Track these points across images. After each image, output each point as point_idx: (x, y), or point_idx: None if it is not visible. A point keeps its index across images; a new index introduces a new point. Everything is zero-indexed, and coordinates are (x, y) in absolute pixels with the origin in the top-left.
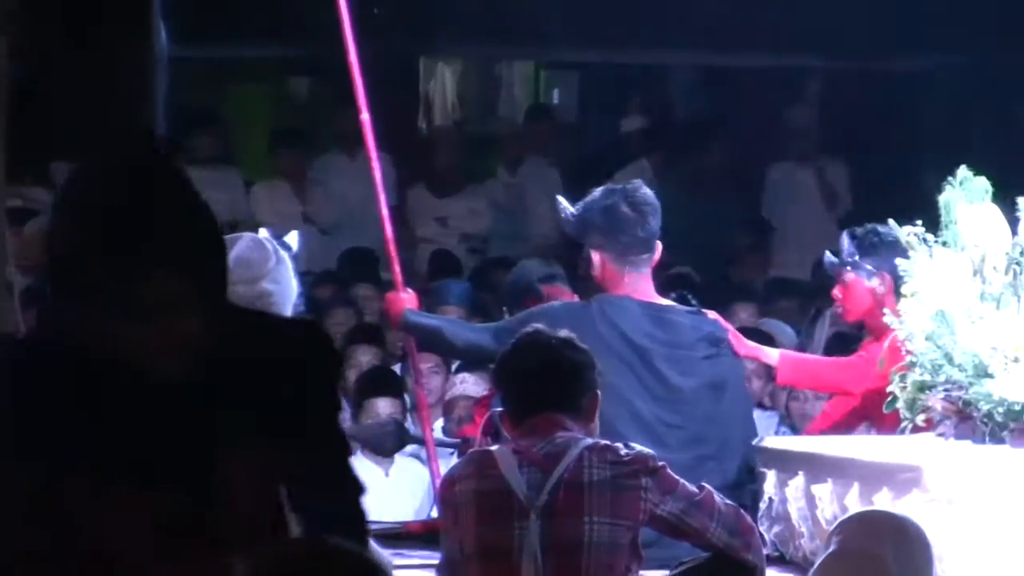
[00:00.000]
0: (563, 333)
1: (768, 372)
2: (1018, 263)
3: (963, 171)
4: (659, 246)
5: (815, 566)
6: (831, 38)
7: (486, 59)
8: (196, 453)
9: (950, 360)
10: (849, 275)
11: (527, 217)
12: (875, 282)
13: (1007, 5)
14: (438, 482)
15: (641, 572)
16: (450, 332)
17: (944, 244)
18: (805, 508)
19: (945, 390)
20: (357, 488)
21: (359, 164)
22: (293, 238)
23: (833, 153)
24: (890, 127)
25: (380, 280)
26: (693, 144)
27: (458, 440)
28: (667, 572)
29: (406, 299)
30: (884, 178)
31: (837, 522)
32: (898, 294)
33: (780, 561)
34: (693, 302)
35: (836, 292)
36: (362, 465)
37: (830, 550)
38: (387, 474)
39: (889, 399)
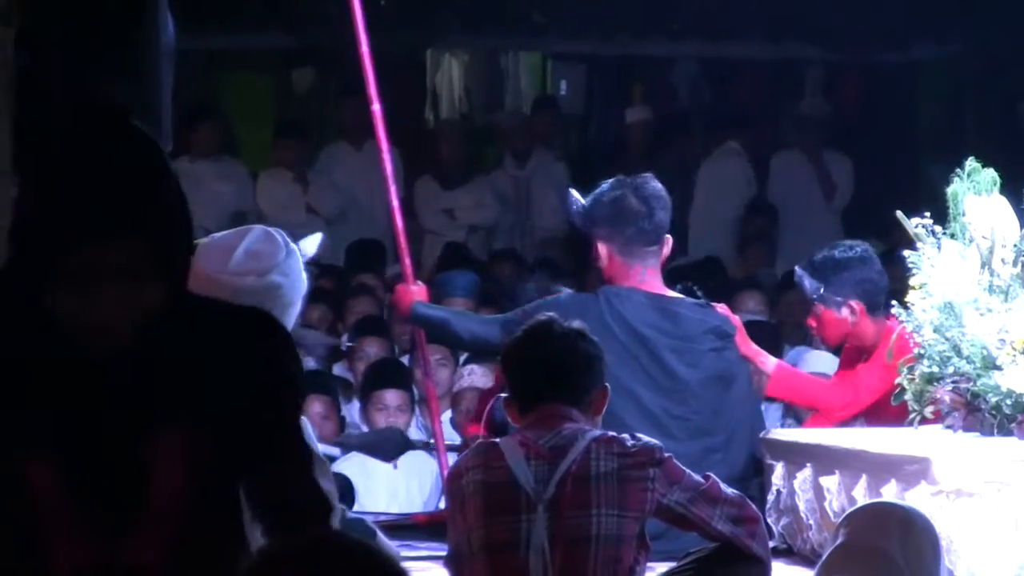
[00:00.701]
0: (576, 324)
1: None
2: None
3: (971, 162)
4: (669, 239)
5: (822, 559)
6: (830, 29)
7: (492, 51)
8: (127, 431)
9: (958, 352)
10: (819, 308)
11: (533, 210)
12: (845, 312)
13: None
14: (446, 474)
15: (649, 564)
16: (458, 324)
17: (952, 236)
18: (813, 500)
19: (953, 382)
20: (317, 491)
21: (364, 155)
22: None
23: (833, 144)
24: (888, 118)
25: (386, 272)
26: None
27: (463, 440)
28: (674, 564)
29: (415, 291)
30: (884, 169)
31: (844, 514)
32: (874, 310)
33: (788, 553)
34: (699, 294)
35: (810, 322)
36: (371, 458)
37: (837, 542)
38: (395, 466)
39: (897, 391)
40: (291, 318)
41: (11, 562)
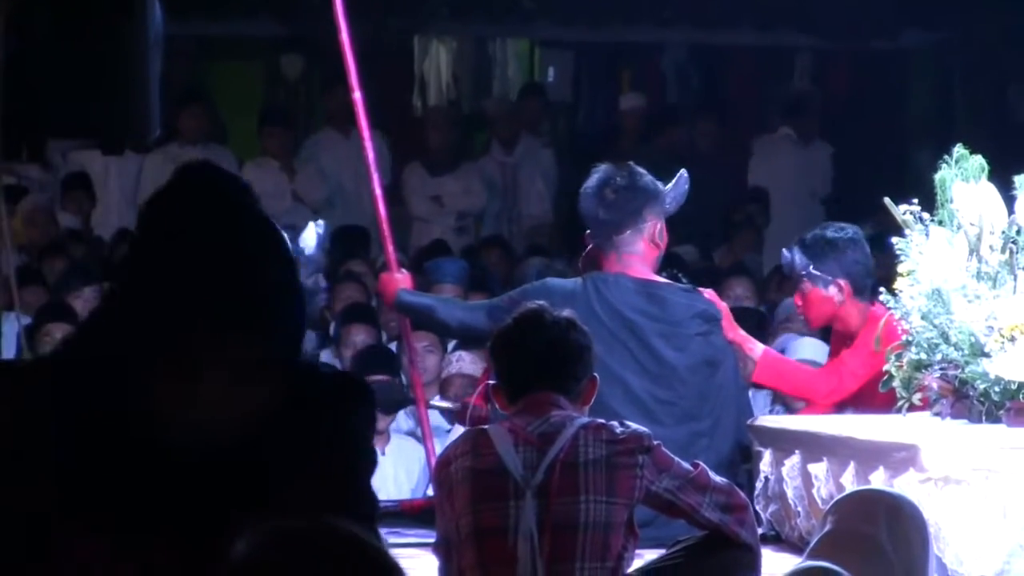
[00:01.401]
0: (567, 313)
1: None
2: (1014, 242)
3: (959, 149)
4: (654, 227)
5: (810, 545)
6: (819, 17)
7: (480, 38)
8: (200, 524)
9: (946, 339)
10: (806, 285)
11: (520, 197)
12: (832, 291)
13: None
14: (434, 461)
15: (637, 551)
16: (443, 312)
17: (940, 223)
18: (801, 487)
19: (941, 369)
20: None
21: (352, 142)
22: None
23: (820, 131)
24: (876, 105)
25: (373, 259)
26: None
27: (458, 404)
28: (663, 551)
29: (400, 279)
30: (872, 156)
31: (832, 502)
32: (861, 293)
33: (776, 540)
34: (684, 281)
35: (796, 301)
36: None
37: (825, 530)
38: (383, 452)
39: (885, 378)
40: None
41: None
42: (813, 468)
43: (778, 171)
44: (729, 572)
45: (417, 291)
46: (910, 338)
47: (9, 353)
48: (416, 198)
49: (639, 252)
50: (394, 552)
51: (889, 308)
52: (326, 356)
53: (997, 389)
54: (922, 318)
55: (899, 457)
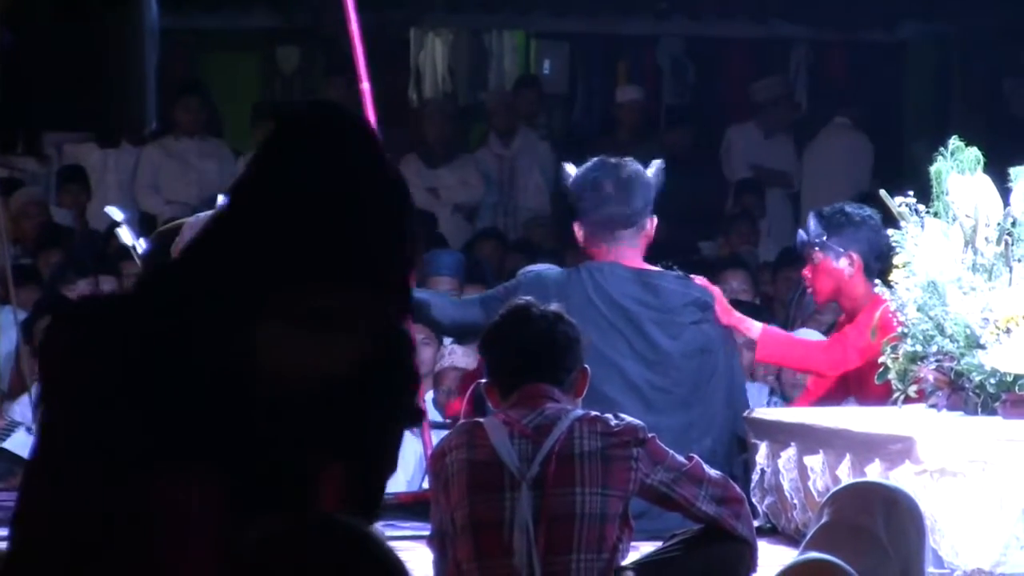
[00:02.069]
0: (554, 306)
1: None
2: (1010, 234)
3: (955, 141)
4: (650, 221)
5: (806, 537)
6: (815, 8)
7: (476, 30)
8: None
9: (942, 331)
10: (817, 255)
11: (517, 189)
12: (843, 263)
13: None
14: (429, 453)
15: (632, 543)
16: (437, 309)
17: (935, 215)
18: (797, 479)
19: (937, 361)
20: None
21: None
22: None
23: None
24: (873, 96)
25: None
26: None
27: (447, 420)
28: (659, 544)
29: None
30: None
31: (828, 494)
32: (869, 273)
33: (772, 533)
34: (676, 269)
35: (805, 272)
36: None
37: (821, 522)
38: None
39: (881, 370)
40: None
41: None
42: (809, 460)
43: (832, 161)
44: (725, 565)
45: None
46: (906, 330)
47: (7, 347)
48: (412, 190)
49: (636, 246)
50: (390, 544)
51: (885, 299)
52: None
53: (993, 381)
54: (918, 310)
55: (895, 449)
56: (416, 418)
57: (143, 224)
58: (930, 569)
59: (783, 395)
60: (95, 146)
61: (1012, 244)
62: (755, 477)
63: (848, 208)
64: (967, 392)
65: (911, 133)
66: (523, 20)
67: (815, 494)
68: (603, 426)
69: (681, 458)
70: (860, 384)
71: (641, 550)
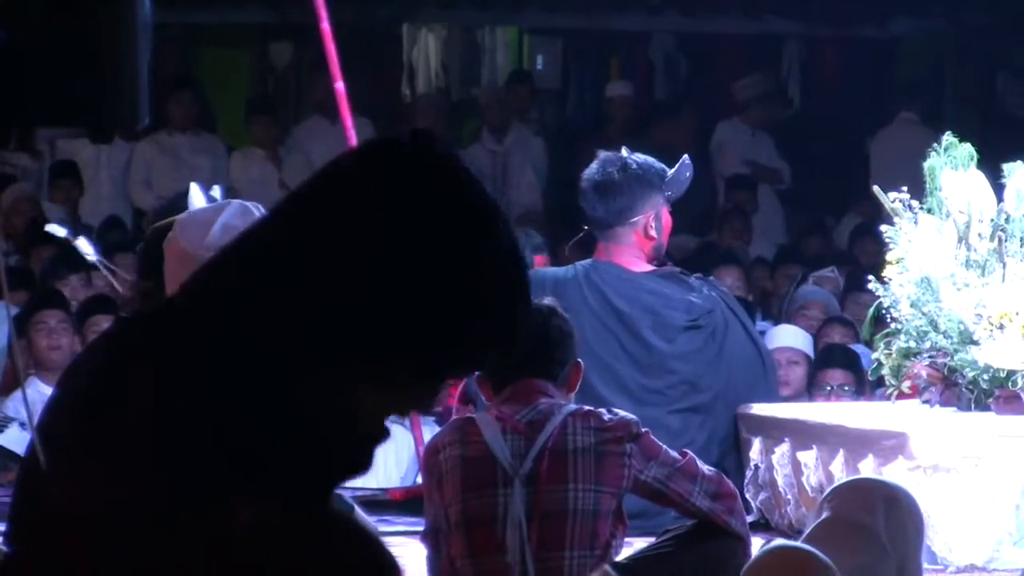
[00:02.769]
0: (548, 301)
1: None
2: (1003, 230)
3: (948, 137)
4: (647, 219)
5: (805, 533)
6: (808, 4)
7: (469, 26)
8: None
9: (935, 327)
10: None
11: (510, 185)
12: None
13: None
14: (422, 449)
15: (627, 540)
16: None
17: (929, 211)
18: (791, 475)
19: (930, 357)
20: None
21: (340, 129)
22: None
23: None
24: (866, 91)
25: None
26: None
27: (438, 410)
28: (653, 539)
29: None
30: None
31: (829, 489)
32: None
33: (766, 528)
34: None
35: None
36: None
37: (822, 517)
38: None
39: (875, 366)
40: None
41: None
42: (802, 456)
43: (897, 157)
44: (718, 561)
45: None
46: (899, 326)
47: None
48: None
49: (630, 244)
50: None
51: (879, 295)
52: None
53: (986, 377)
54: (911, 306)
55: (888, 445)
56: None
57: (135, 220)
58: (924, 565)
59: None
60: (88, 142)
61: (1005, 240)
62: (748, 473)
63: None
64: (960, 388)
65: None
66: (516, 16)
67: (809, 490)
68: (596, 421)
69: (675, 454)
70: None
71: (635, 546)
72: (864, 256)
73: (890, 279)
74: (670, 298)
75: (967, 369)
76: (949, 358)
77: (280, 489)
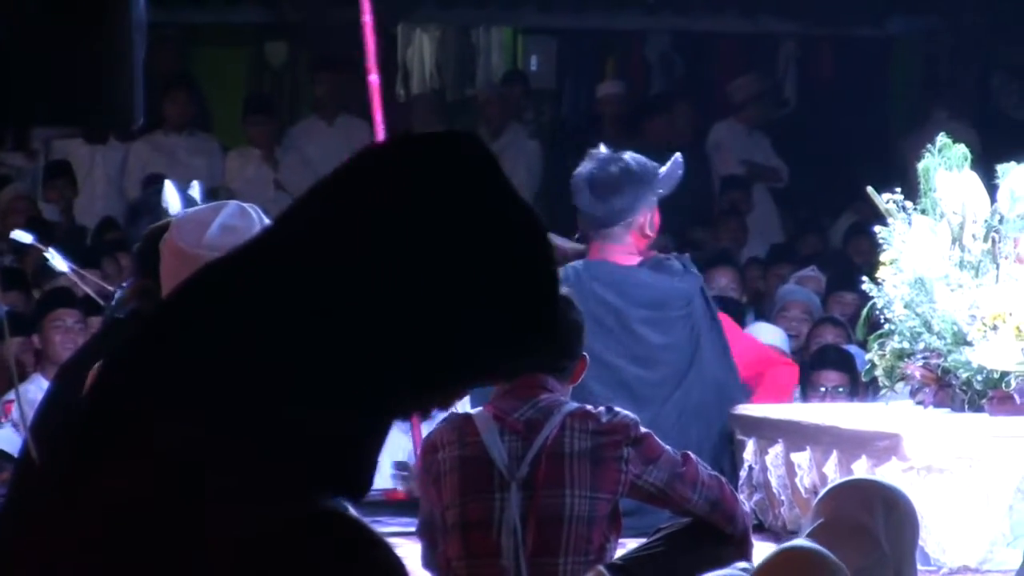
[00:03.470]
0: (564, 290)
1: None
2: (997, 231)
3: (942, 137)
4: (643, 217)
5: (803, 534)
6: (803, 3)
7: (464, 26)
8: None
9: (929, 328)
10: None
11: None
12: None
13: None
14: (419, 448)
15: (620, 540)
16: None
17: (923, 212)
18: (784, 476)
19: (924, 358)
20: None
21: (336, 129)
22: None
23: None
24: (861, 92)
25: None
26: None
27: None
28: (644, 539)
29: None
30: (856, 143)
31: (824, 490)
32: None
33: (759, 529)
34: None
35: None
36: None
37: (820, 519)
38: None
39: (868, 367)
40: None
41: None
42: (796, 457)
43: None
44: (714, 564)
45: None
46: (893, 326)
47: None
48: None
49: (626, 243)
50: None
51: (871, 296)
52: None
53: (979, 378)
54: (905, 307)
55: (882, 446)
56: None
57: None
58: (917, 566)
59: None
60: (83, 141)
61: (999, 241)
62: (743, 474)
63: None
64: (954, 389)
65: (899, 129)
66: (511, 16)
67: (802, 491)
68: (595, 423)
69: (676, 456)
70: None
71: (628, 546)
72: (858, 256)
73: (884, 280)
74: (661, 291)
75: (961, 370)
76: (943, 359)
77: (285, 492)
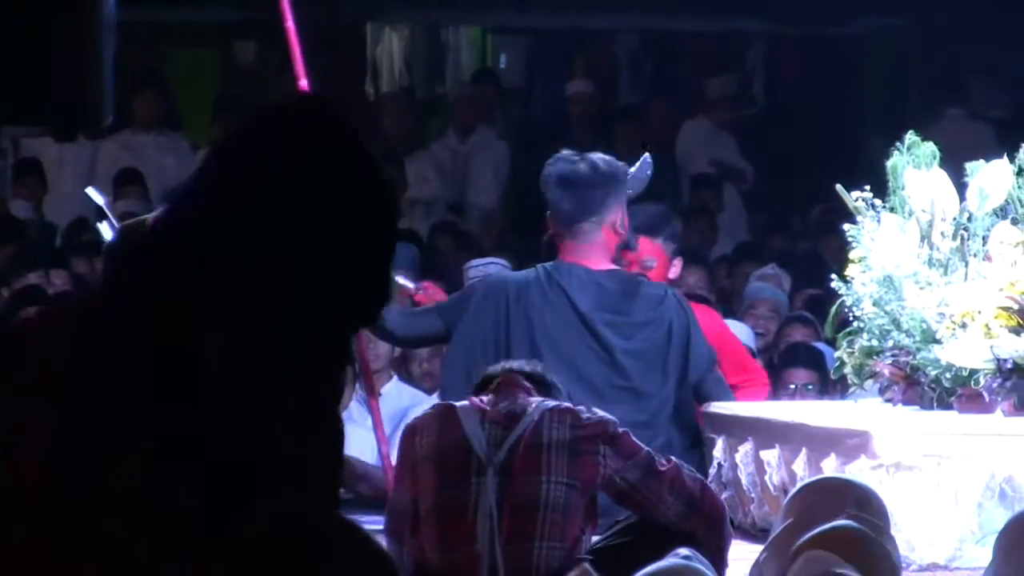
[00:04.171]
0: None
1: None
2: (965, 229)
3: (911, 136)
4: (615, 216)
5: (773, 533)
6: (772, 2)
7: (433, 24)
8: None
9: (898, 326)
10: None
11: (469, 186)
12: None
13: None
14: (384, 448)
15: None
16: (391, 321)
17: (891, 210)
18: (754, 474)
19: (893, 356)
20: None
21: None
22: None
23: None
24: (830, 91)
25: None
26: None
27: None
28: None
29: None
30: (825, 142)
31: (795, 489)
32: None
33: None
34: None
35: None
36: None
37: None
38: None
39: (837, 364)
40: None
41: None
42: (765, 455)
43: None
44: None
45: None
46: (862, 324)
47: None
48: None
49: (598, 242)
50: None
51: (841, 294)
52: None
53: (948, 375)
54: (874, 304)
55: (851, 443)
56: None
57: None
58: None
59: None
60: (52, 140)
61: (968, 239)
62: (712, 471)
63: None
64: (923, 387)
65: (868, 127)
66: (481, 15)
67: (772, 488)
68: (573, 418)
69: (659, 459)
70: None
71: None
72: (828, 253)
73: (853, 278)
74: (631, 296)
75: (930, 368)
76: (912, 357)
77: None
